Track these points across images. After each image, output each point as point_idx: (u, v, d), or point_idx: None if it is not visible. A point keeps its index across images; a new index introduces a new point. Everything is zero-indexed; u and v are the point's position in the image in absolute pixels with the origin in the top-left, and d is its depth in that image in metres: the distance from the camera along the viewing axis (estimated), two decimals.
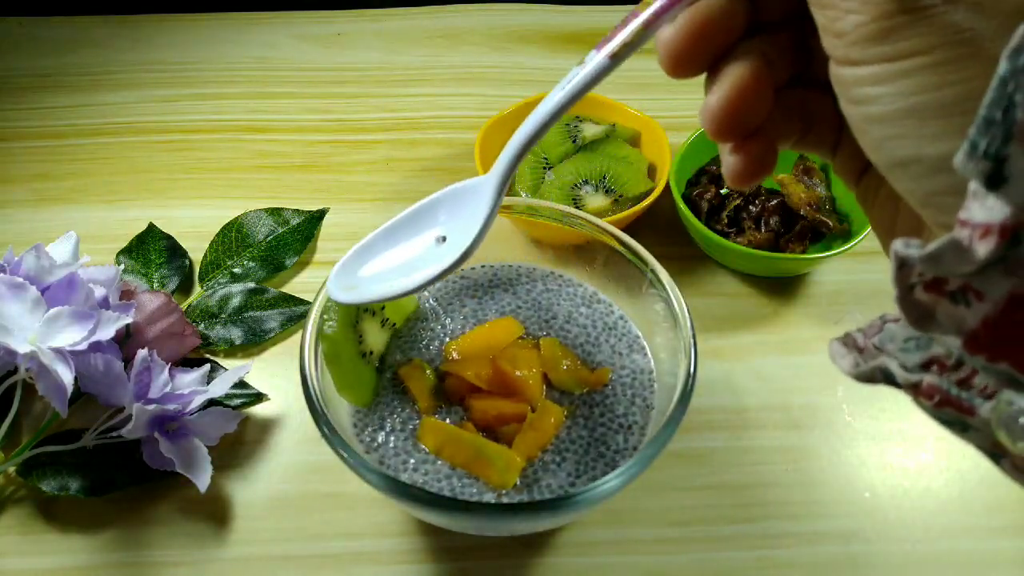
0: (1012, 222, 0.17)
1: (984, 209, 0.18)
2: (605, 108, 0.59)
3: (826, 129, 0.27)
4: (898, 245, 0.20)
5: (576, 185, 0.53)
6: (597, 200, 0.52)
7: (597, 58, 0.26)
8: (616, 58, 0.26)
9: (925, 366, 0.22)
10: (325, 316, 0.40)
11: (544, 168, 0.56)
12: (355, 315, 0.41)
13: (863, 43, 0.20)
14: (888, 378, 0.23)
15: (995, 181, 0.17)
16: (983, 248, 0.18)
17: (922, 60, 0.19)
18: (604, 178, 0.52)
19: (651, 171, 0.57)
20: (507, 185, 0.32)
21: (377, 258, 0.37)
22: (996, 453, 0.22)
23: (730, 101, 0.25)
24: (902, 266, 0.20)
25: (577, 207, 0.49)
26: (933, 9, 0.19)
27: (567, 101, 0.28)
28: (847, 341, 0.24)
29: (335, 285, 0.36)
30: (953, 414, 0.21)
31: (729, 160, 0.26)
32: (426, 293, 0.46)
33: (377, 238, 0.37)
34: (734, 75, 0.25)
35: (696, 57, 0.25)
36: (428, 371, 0.42)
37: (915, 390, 0.22)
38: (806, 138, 0.28)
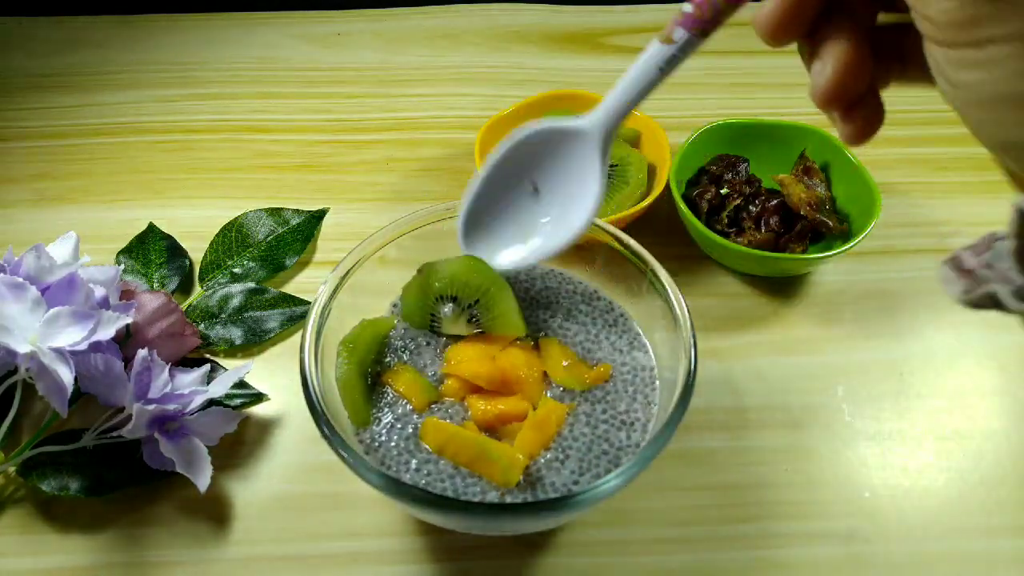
0: None
1: None
2: None
3: (922, 60, 0.27)
4: (1019, 200, 0.21)
5: (440, 298, 0.42)
6: (457, 326, 0.42)
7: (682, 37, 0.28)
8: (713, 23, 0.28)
9: None
10: (339, 358, 0.41)
11: None
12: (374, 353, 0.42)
13: (952, 29, 0.21)
14: (997, 304, 0.23)
15: None
16: None
17: (1008, 49, 0.20)
18: (475, 303, 0.42)
19: (651, 171, 0.57)
20: (611, 145, 0.32)
21: (485, 216, 0.37)
22: None
23: (837, 79, 0.26)
24: (1022, 218, 0.21)
25: (433, 324, 0.42)
26: None
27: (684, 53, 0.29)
28: (955, 263, 0.24)
29: (467, 246, 0.38)
30: None
31: (842, 128, 0.28)
32: None
33: (479, 195, 0.37)
34: (836, 53, 0.26)
35: (793, 25, 0.26)
36: (411, 372, 0.42)
37: None
38: (905, 74, 0.28)
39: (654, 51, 0.30)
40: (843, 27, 0.26)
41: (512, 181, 0.36)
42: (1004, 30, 0.20)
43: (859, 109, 0.27)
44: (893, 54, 0.28)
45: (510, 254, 0.36)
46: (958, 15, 0.21)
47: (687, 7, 0.29)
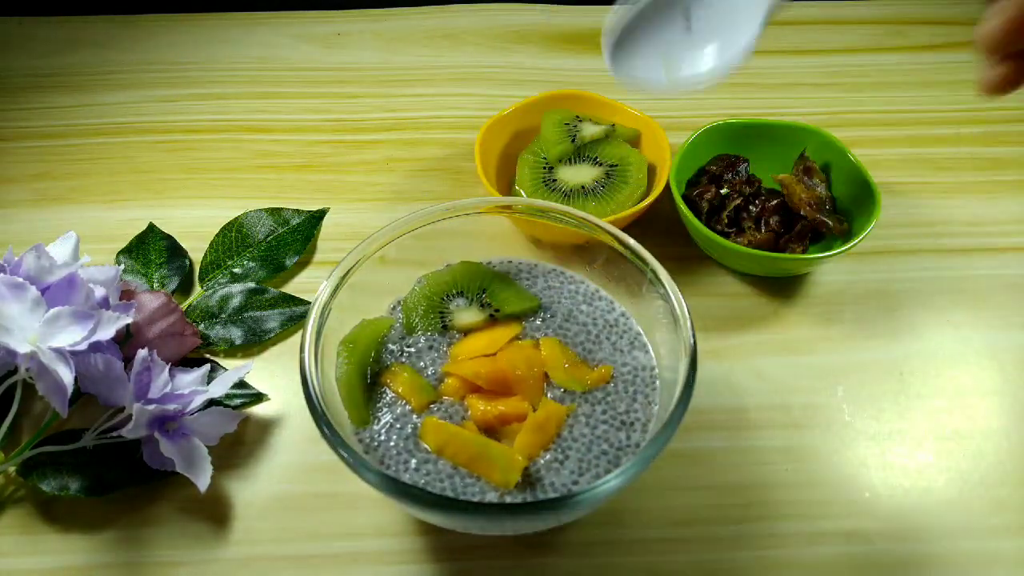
0: None
1: None
2: (605, 108, 0.59)
3: None
4: None
5: (447, 296, 0.45)
6: (470, 315, 0.44)
7: None
8: None
9: None
10: (339, 358, 0.41)
11: (544, 168, 0.56)
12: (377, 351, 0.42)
13: None
14: None
15: None
16: None
17: None
18: (482, 292, 0.45)
19: (651, 171, 0.57)
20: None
21: (636, 35, 0.36)
22: None
23: (1007, 28, 0.31)
24: None
25: (444, 321, 0.44)
26: None
27: None
28: None
29: (611, 56, 0.36)
30: None
31: (991, 71, 0.33)
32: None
33: (635, 14, 0.36)
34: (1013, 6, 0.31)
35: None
36: (409, 372, 0.42)
37: None
38: None
39: None
40: None
41: (665, 8, 0.36)
42: None
43: (1017, 59, 0.32)
44: None
45: (654, 78, 0.35)
46: None
47: None
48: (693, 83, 0.35)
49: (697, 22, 0.35)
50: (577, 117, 0.58)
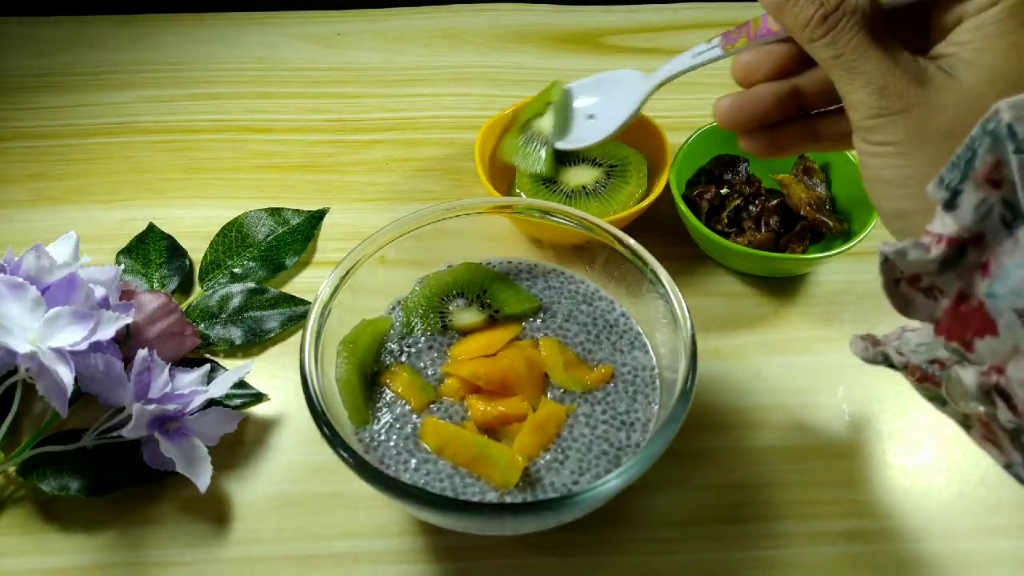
0: (956, 236, 0.26)
1: (941, 224, 0.26)
2: None
3: (831, 142, 0.38)
4: (880, 245, 0.28)
5: (447, 297, 0.45)
6: (470, 316, 0.45)
7: (719, 48, 0.40)
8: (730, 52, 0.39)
9: (931, 363, 0.29)
10: (339, 358, 0.41)
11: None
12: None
13: (861, 132, 0.31)
14: (887, 360, 0.31)
15: (950, 205, 0.26)
16: (936, 251, 0.27)
17: (890, 149, 0.30)
18: (483, 293, 0.45)
19: (651, 171, 0.57)
20: (651, 96, 0.47)
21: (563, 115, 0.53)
22: (967, 424, 0.30)
23: (733, 105, 0.38)
24: (885, 261, 0.29)
25: (444, 322, 0.45)
26: (897, 115, 0.30)
27: (695, 65, 0.43)
28: (867, 337, 0.32)
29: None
30: (931, 388, 0.29)
31: (749, 143, 0.39)
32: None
33: (568, 100, 0.53)
34: (749, 93, 0.37)
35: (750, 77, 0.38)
36: (409, 372, 0.42)
37: (904, 369, 0.30)
38: (816, 146, 0.39)
39: (696, 47, 0.42)
40: (777, 89, 0.37)
41: (584, 103, 0.52)
42: (890, 136, 0.30)
43: (756, 138, 0.38)
44: (809, 134, 0.38)
45: (564, 143, 0.51)
46: (865, 123, 0.31)
47: (733, 31, 0.39)
48: (586, 144, 0.50)
49: (596, 115, 0.51)
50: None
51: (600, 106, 0.50)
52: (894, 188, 0.31)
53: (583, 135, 0.51)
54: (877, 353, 0.31)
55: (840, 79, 0.32)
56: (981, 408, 0.27)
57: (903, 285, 0.29)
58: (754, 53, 0.37)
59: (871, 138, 0.31)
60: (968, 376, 0.26)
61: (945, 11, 0.31)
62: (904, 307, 0.30)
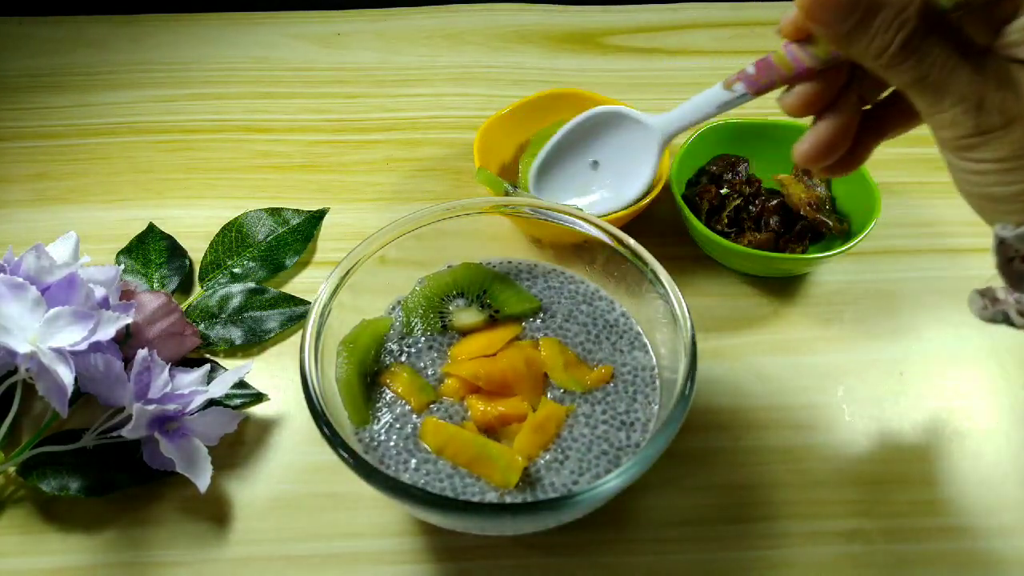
0: None
1: None
2: None
3: (898, 131, 0.36)
4: (997, 228, 0.29)
5: (447, 297, 0.45)
6: (470, 316, 0.44)
7: (748, 95, 0.37)
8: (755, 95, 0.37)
9: None
10: (339, 358, 0.41)
11: None
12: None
13: (956, 150, 0.29)
14: (1007, 319, 0.31)
15: None
16: None
17: (995, 167, 0.28)
18: (483, 293, 0.45)
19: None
20: (667, 146, 0.43)
21: (552, 173, 0.46)
22: None
23: (815, 149, 0.34)
24: (1001, 243, 0.29)
25: (444, 322, 0.44)
26: (1000, 131, 0.28)
27: (723, 108, 0.39)
28: (986, 292, 0.31)
29: (536, 188, 0.46)
30: None
31: (823, 174, 0.39)
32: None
33: (551, 152, 0.46)
34: (822, 129, 0.34)
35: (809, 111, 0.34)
36: (408, 373, 0.42)
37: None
38: (879, 141, 0.36)
39: (716, 91, 0.38)
40: (841, 106, 0.33)
41: (578, 150, 0.45)
42: (991, 154, 0.28)
43: (836, 166, 0.35)
44: (876, 133, 0.35)
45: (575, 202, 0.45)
46: (961, 142, 0.29)
47: (750, 69, 0.36)
48: (608, 212, 0.46)
49: (603, 164, 0.45)
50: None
51: (601, 152, 0.45)
52: (1009, 203, 0.29)
53: (596, 193, 0.47)
54: (997, 312, 0.31)
55: (923, 100, 0.29)
56: None
57: (1017, 262, 0.29)
58: (802, 91, 0.33)
59: (971, 156, 0.29)
60: None
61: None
62: (1019, 283, 0.29)
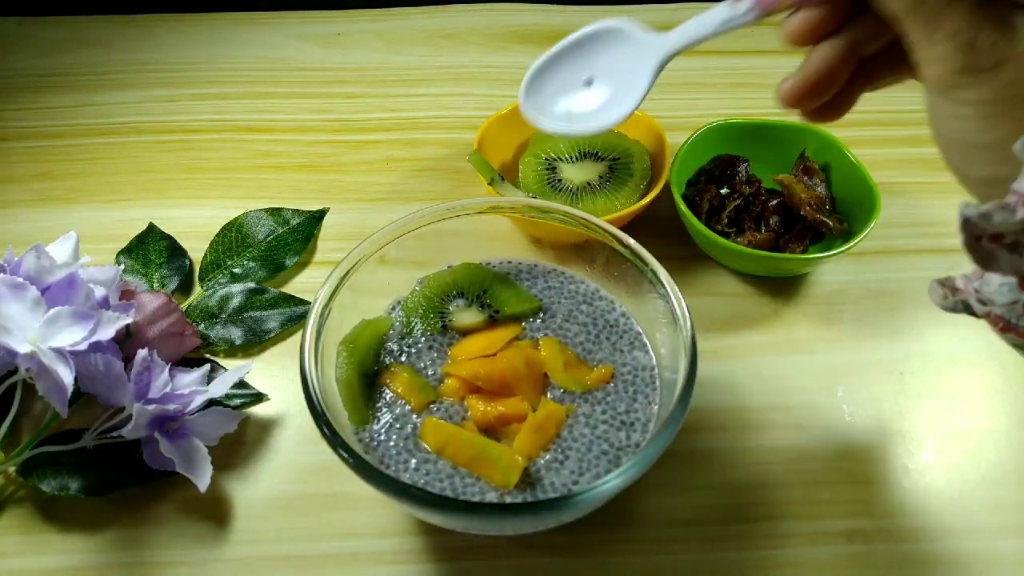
0: None
1: None
2: None
3: (887, 81, 0.35)
4: (962, 207, 0.27)
5: (447, 297, 0.45)
6: (470, 316, 0.45)
7: (752, 13, 0.34)
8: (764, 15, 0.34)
9: (1011, 305, 0.28)
10: (339, 358, 0.41)
11: (547, 168, 0.56)
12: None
13: (941, 88, 0.28)
14: (967, 308, 0.30)
15: None
16: (1023, 211, 0.25)
17: (977, 111, 0.28)
18: (483, 293, 0.45)
19: (652, 160, 0.57)
20: (665, 66, 0.39)
21: (545, 83, 0.43)
22: None
23: (800, 87, 0.33)
24: (965, 222, 0.27)
25: (444, 322, 0.45)
26: (988, 73, 0.27)
27: (730, 26, 0.36)
28: (946, 283, 0.31)
29: (528, 105, 0.41)
30: (1015, 338, 0.29)
31: (806, 117, 0.35)
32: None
33: (545, 64, 0.42)
34: (810, 68, 0.33)
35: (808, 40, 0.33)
36: (408, 373, 0.42)
37: (987, 318, 0.29)
38: (870, 87, 0.35)
39: (720, 9, 0.36)
40: (833, 42, 0.33)
41: (575, 63, 0.42)
42: (976, 96, 0.28)
43: (820, 110, 0.35)
44: (865, 80, 0.35)
45: (554, 122, 0.41)
46: (946, 79, 0.28)
47: None
48: (588, 132, 0.41)
49: (597, 81, 0.42)
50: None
51: (597, 68, 0.43)
52: (982, 153, 0.29)
53: (589, 111, 0.43)
54: (957, 302, 0.30)
55: (916, 31, 0.28)
56: None
57: (985, 241, 0.28)
58: (806, 16, 0.33)
59: (953, 96, 0.28)
60: None
61: None
62: (986, 262, 0.28)
